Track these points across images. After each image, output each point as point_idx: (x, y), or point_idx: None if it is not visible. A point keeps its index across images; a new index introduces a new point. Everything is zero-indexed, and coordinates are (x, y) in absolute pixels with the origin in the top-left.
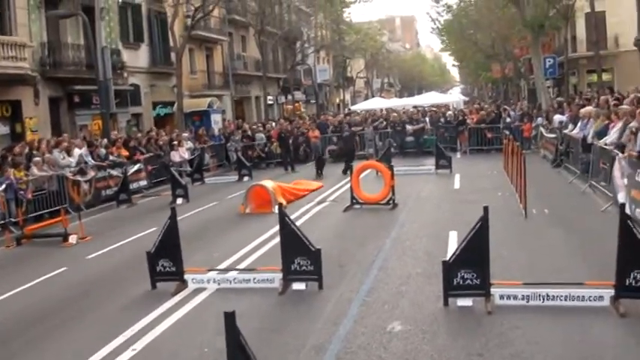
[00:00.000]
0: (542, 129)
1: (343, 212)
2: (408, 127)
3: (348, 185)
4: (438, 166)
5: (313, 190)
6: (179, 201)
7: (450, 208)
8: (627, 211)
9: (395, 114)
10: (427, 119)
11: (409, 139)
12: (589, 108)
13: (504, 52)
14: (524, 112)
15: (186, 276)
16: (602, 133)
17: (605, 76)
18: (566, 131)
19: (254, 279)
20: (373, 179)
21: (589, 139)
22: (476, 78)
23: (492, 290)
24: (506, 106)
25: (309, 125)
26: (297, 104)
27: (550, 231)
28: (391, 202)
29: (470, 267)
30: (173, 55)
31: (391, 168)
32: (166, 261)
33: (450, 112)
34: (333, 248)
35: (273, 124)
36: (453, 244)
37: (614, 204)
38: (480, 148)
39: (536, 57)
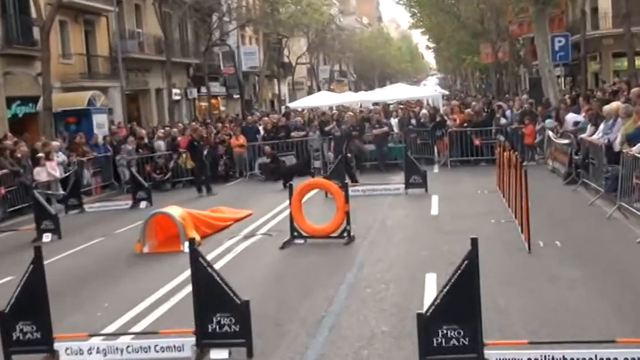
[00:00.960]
0: (550, 133)
1: (281, 249)
2: (368, 132)
3: (287, 212)
4: (408, 185)
5: (239, 220)
6: (46, 237)
7: (426, 242)
8: None
9: (350, 114)
10: (393, 121)
11: (369, 147)
12: (616, 104)
13: (497, 29)
14: (525, 110)
15: (56, 345)
16: (635, 137)
17: (638, 62)
18: (583, 135)
19: (156, 347)
20: (321, 203)
21: (616, 146)
22: (458, 64)
23: (487, 353)
24: (500, 103)
25: (231, 130)
26: (214, 100)
27: (564, 270)
28: (346, 234)
29: (455, 322)
30: (36, 31)
31: (345, 187)
32: (27, 324)
33: (424, 111)
34: (268, 300)
35: (182, 127)
36: (431, 290)
37: None
38: (466, 159)
39: (542, 36)
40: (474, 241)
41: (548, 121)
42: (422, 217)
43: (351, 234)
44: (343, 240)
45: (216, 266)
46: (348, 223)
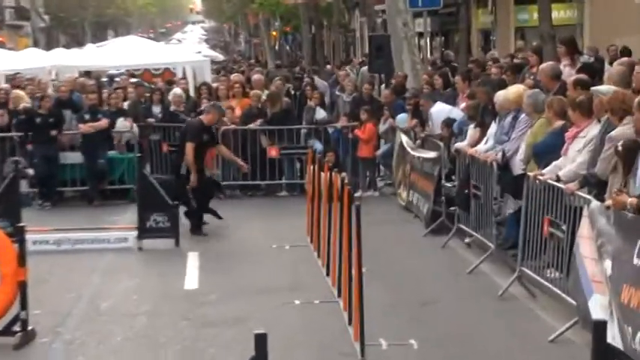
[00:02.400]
0: (403, 139)
1: None
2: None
3: None
4: (144, 231)
5: None
6: None
7: (174, 344)
8: (612, 340)
9: (23, 94)
10: (123, 105)
11: (70, 157)
12: (517, 89)
13: None
14: (359, 96)
15: None
16: (546, 150)
17: (558, 14)
18: (460, 145)
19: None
20: None
21: (517, 165)
22: (242, 7)
23: None
24: (316, 80)
25: None
26: None
27: None
28: (19, 326)
29: None
30: None
31: (19, 236)
32: None
33: (177, 93)
34: None
35: None
36: None
37: (581, 322)
38: (251, 183)
39: None
40: (260, 340)
41: (400, 117)
42: (166, 294)
43: (29, 327)
44: (14, 339)
45: None
46: (24, 305)
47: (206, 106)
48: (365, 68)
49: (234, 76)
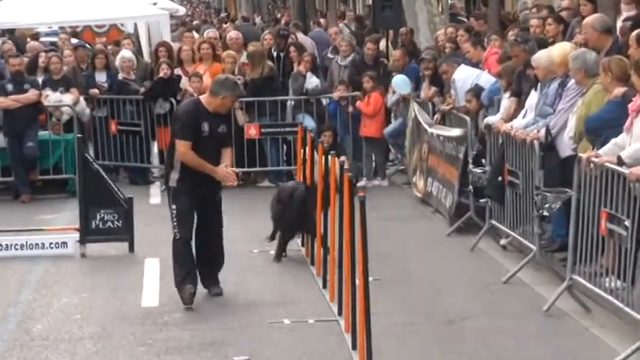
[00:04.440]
0: (418, 111)
1: None
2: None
3: None
4: (88, 233)
5: None
6: None
7: None
8: None
9: None
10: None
11: None
12: (563, 48)
13: None
14: (359, 58)
15: None
16: (601, 126)
17: None
18: (492, 119)
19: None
20: None
21: (565, 144)
22: None
23: None
24: (298, 35)
25: None
26: None
27: None
28: None
29: None
30: None
31: None
32: None
33: (127, 56)
34: None
35: None
36: None
37: None
38: None
39: None
40: None
41: (398, 79)
42: (119, 313)
43: None
44: None
45: None
46: None
47: (216, 81)
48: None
49: (208, 32)
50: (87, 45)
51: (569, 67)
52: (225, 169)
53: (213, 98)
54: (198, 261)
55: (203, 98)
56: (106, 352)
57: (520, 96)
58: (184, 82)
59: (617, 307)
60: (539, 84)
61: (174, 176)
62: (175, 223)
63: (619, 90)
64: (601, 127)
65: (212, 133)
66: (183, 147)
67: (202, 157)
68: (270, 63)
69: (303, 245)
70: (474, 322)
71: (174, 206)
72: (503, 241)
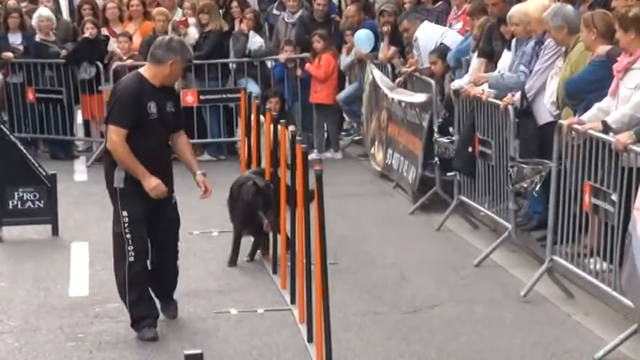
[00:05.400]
0: (376, 74)
1: None
2: None
3: None
4: (5, 214)
5: None
6: None
7: None
8: None
9: None
10: None
11: None
12: (541, 1)
13: None
14: (309, 14)
15: None
16: (584, 88)
17: None
18: (459, 82)
19: None
20: None
21: (545, 109)
22: None
23: None
24: None
25: None
26: None
27: None
28: None
29: None
30: None
31: None
32: None
33: (45, 14)
34: None
35: None
36: None
37: None
38: None
39: None
40: None
41: (360, 34)
42: (44, 304)
43: None
44: None
45: None
46: None
47: (158, 46)
48: None
49: None
50: None
51: (547, 25)
52: (160, 186)
53: (159, 67)
54: (152, 280)
55: (145, 71)
56: (31, 347)
57: (492, 57)
58: (112, 44)
59: (602, 292)
60: (512, 43)
61: (120, 174)
62: (129, 236)
63: (602, 48)
64: (583, 91)
65: (161, 114)
66: (116, 135)
67: (151, 146)
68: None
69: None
70: (443, 310)
71: (124, 212)
72: (473, 219)
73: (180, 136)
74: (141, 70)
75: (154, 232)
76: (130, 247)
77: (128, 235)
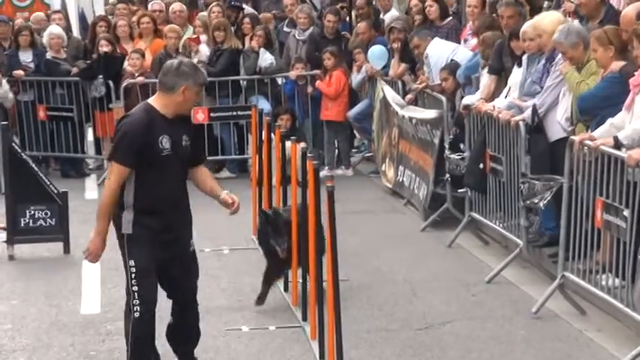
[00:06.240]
0: (387, 91)
1: None
2: None
3: None
4: (16, 232)
5: None
6: None
7: None
8: None
9: None
10: None
11: None
12: (552, 18)
13: None
14: (319, 31)
15: None
16: (595, 105)
17: None
18: (470, 99)
19: None
20: None
21: (559, 126)
22: None
23: None
24: (244, 8)
25: None
26: None
27: None
28: None
29: None
30: None
31: None
32: None
33: (55, 32)
34: None
35: None
36: None
37: None
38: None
39: None
40: None
41: (375, 50)
42: (55, 322)
43: None
44: None
45: None
46: None
47: (166, 73)
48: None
49: (153, 4)
50: (6, 20)
51: (560, 44)
52: (94, 252)
53: (170, 96)
54: (170, 338)
55: (154, 101)
56: None
57: (500, 73)
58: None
59: (615, 308)
60: (523, 59)
61: (128, 217)
62: (135, 289)
63: (616, 64)
64: (596, 107)
65: (175, 149)
66: (114, 175)
67: (165, 187)
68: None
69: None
70: (454, 326)
71: (131, 262)
72: (485, 236)
73: (201, 171)
74: (150, 101)
75: (168, 286)
76: (136, 302)
77: (135, 288)
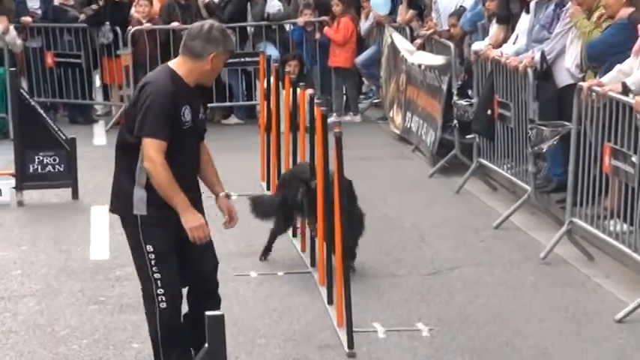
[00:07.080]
0: (395, 37)
1: None
2: None
3: None
4: (25, 179)
5: None
6: None
7: (78, 334)
8: None
9: None
10: None
11: None
12: None
13: None
14: None
15: None
16: (605, 50)
17: None
18: (479, 45)
19: None
20: None
21: (567, 72)
22: None
23: None
24: None
25: None
26: None
27: None
28: None
29: None
30: None
31: None
32: None
33: None
34: None
35: None
36: None
37: None
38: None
39: None
40: (215, 324)
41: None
42: (65, 267)
43: None
44: None
45: None
46: None
47: (194, 35)
48: None
49: None
50: None
51: None
52: (204, 228)
53: (196, 63)
54: (187, 327)
55: (177, 66)
56: (52, 311)
57: (508, 22)
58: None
59: (622, 253)
60: (531, 5)
61: (140, 194)
62: (157, 276)
63: (625, 11)
64: (605, 53)
65: (195, 122)
66: (154, 150)
67: (184, 164)
68: None
69: (269, 188)
70: (462, 272)
71: (149, 247)
72: (493, 181)
73: (204, 152)
74: (172, 65)
75: (184, 274)
76: (160, 291)
77: (157, 275)
